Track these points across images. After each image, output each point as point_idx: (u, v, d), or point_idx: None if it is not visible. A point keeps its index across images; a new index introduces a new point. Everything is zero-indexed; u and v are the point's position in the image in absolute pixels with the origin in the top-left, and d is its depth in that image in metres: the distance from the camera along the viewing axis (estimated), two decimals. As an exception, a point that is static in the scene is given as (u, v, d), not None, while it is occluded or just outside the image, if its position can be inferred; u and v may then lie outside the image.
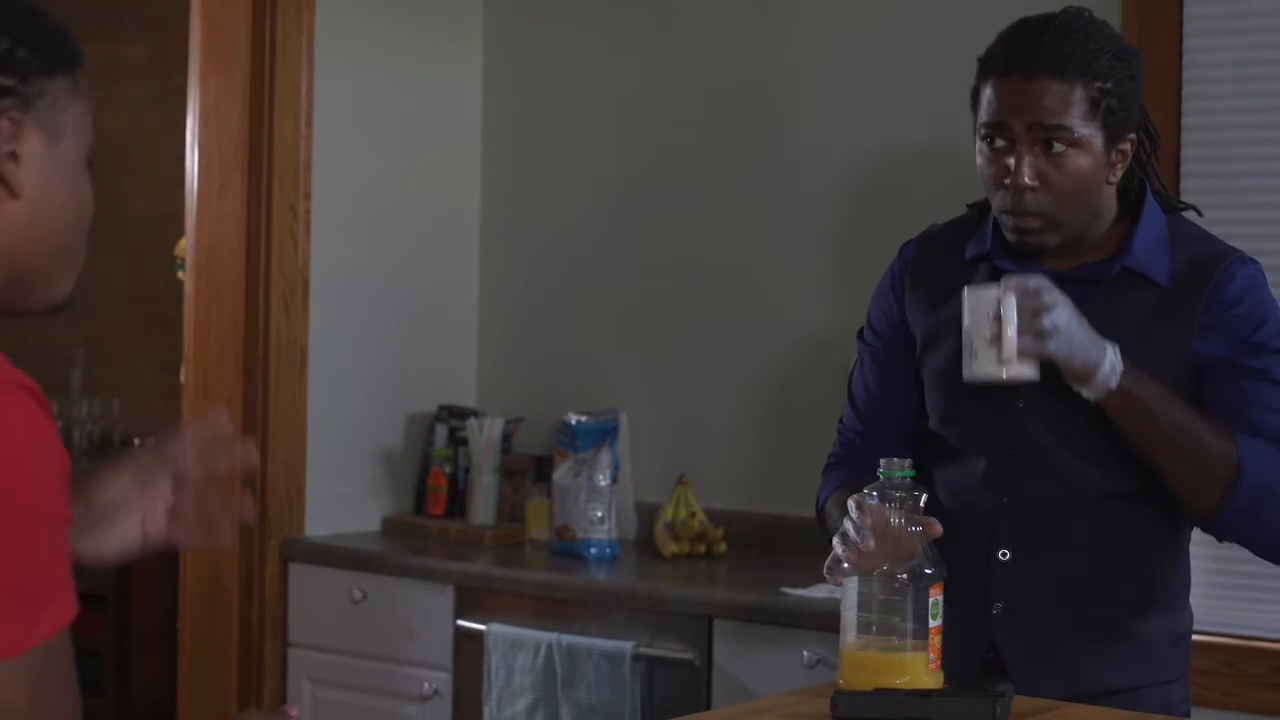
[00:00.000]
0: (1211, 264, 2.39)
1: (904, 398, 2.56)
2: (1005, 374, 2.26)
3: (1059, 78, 2.32)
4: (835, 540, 2.25)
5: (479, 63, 4.65)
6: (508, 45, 4.62)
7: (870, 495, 2.21)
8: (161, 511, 1.83)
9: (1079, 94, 2.32)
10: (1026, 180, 2.33)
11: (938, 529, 2.21)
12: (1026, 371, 2.27)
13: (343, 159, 4.35)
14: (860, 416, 2.61)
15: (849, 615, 2.23)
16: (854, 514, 2.21)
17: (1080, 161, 2.34)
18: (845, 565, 2.22)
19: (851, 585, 2.22)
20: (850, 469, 2.56)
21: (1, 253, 1.54)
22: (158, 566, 5.73)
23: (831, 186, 4.08)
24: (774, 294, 4.14)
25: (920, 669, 2.20)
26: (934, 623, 2.21)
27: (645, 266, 4.37)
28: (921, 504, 2.22)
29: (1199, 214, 2.56)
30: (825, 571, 2.28)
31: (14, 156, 1.52)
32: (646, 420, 4.29)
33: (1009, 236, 2.41)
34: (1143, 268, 2.39)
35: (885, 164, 4.01)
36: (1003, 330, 2.23)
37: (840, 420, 2.66)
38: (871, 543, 2.18)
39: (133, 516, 1.82)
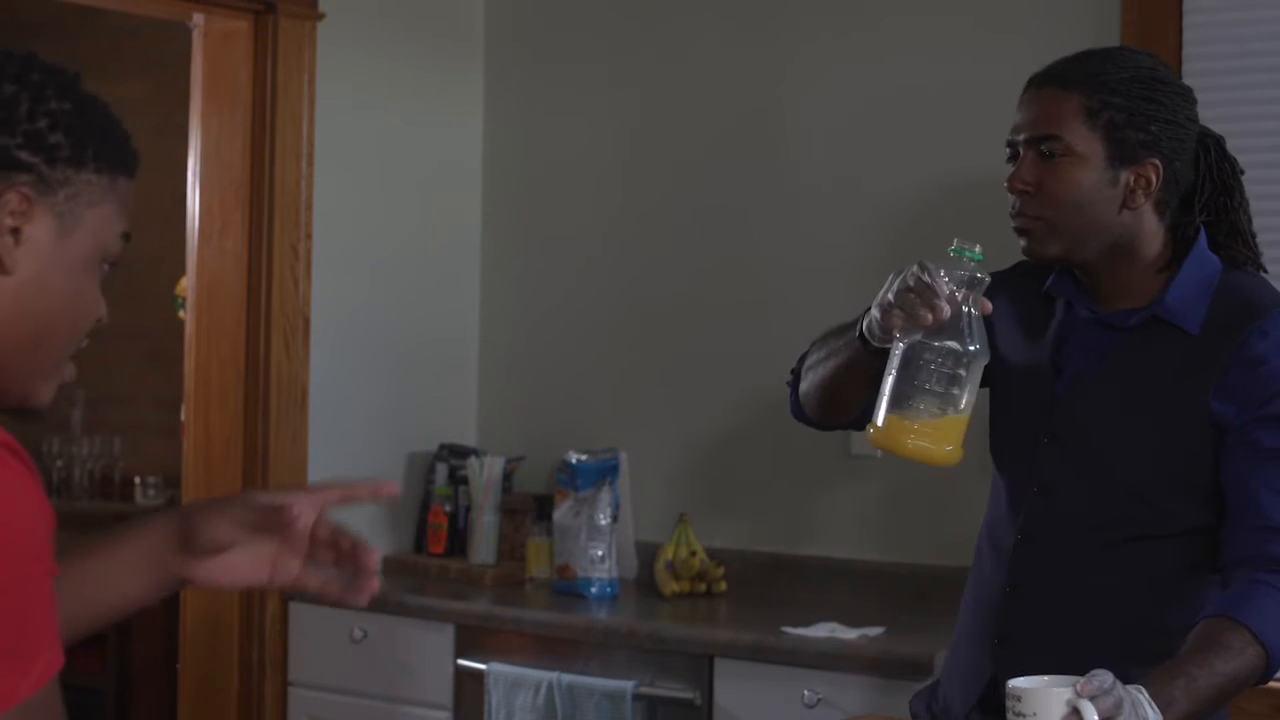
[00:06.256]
0: (1246, 318, 2.30)
1: None
2: None
3: (1059, 87, 2.34)
4: (887, 299, 2.21)
5: (480, 102, 4.66)
6: (508, 85, 4.63)
7: (937, 271, 2.19)
8: (294, 561, 1.93)
9: (1076, 103, 2.33)
10: (1019, 184, 2.35)
11: (988, 306, 2.22)
12: None
13: (344, 198, 4.35)
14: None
15: (892, 381, 2.21)
16: (921, 278, 2.17)
17: (1075, 172, 2.33)
18: (895, 331, 2.21)
19: (898, 350, 2.22)
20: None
21: None
22: (158, 605, 5.72)
23: (833, 223, 4.09)
24: (775, 332, 4.14)
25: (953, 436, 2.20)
26: (966, 399, 2.20)
27: (646, 305, 4.37)
28: (984, 286, 2.20)
29: (1265, 271, 2.46)
30: (879, 323, 2.23)
31: (15, 233, 1.51)
32: (647, 459, 4.29)
33: (1020, 246, 2.40)
34: (1173, 316, 2.33)
35: (887, 199, 4.01)
36: None
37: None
38: (929, 318, 2.16)
39: (247, 555, 1.88)
